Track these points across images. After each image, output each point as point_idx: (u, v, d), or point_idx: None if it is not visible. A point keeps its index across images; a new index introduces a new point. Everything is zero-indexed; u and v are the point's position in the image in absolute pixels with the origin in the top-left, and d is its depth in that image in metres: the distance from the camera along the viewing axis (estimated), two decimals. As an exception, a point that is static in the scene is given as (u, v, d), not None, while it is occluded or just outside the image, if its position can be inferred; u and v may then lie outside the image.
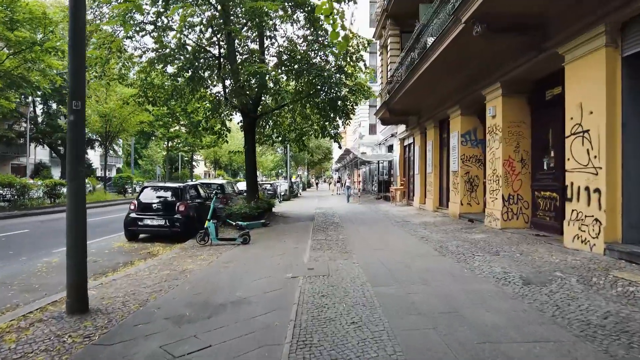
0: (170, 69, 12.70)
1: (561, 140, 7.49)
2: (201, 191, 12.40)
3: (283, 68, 13.09)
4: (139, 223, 10.14)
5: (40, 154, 41.95)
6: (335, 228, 10.95)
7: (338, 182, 27.66)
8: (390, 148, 24.57)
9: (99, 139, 34.74)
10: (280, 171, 58.59)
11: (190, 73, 11.67)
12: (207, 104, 13.66)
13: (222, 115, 14.07)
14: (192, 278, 6.00)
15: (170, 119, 20.94)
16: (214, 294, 5.01)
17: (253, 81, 10.89)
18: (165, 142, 35.80)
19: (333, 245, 8.05)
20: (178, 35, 11.00)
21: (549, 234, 8.24)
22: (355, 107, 15.61)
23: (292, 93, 15.05)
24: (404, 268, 5.98)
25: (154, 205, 10.25)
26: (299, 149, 16.50)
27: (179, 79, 12.50)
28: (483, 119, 12.06)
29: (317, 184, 79.07)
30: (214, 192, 9.14)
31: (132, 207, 10.36)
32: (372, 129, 29.15)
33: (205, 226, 9.10)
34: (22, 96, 28.49)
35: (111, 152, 43.42)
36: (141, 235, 10.73)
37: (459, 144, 12.26)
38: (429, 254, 6.94)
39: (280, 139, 16.38)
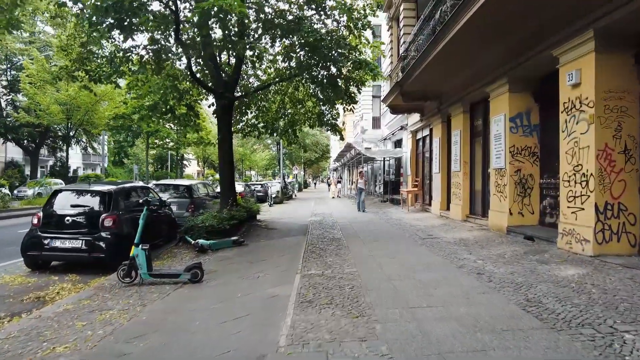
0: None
1: None
2: (151, 196, 9.01)
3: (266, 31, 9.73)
4: (45, 245, 6.77)
5: (12, 151, 38.39)
6: (336, 249, 7.60)
7: (339, 182, 24.20)
8: (397, 143, 21.24)
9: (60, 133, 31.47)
10: (276, 170, 55.10)
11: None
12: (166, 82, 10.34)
13: (185, 93, 10.72)
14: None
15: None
16: None
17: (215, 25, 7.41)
18: (147, 139, 32.23)
19: (335, 294, 4.69)
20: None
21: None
22: (361, 87, 12.29)
23: (279, 71, 11.79)
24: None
25: (68, 218, 6.88)
26: (288, 142, 13.14)
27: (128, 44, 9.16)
28: (539, 97, 8.80)
29: (315, 183, 75.85)
30: (144, 200, 5.72)
31: (36, 221, 6.98)
32: (376, 123, 25.81)
33: (131, 255, 5.73)
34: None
35: (90, 149, 39.92)
36: (54, 262, 7.36)
37: (507, 132, 8.94)
38: (523, 326, 3.58)
39: (265, 127, 13.03)
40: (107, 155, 55.52)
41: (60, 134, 33.94)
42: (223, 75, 11.37)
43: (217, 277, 6.05)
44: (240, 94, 11.86)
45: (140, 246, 5.68)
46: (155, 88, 10.24)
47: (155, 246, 8.43)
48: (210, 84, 11.19)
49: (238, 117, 13.07)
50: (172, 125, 13.68)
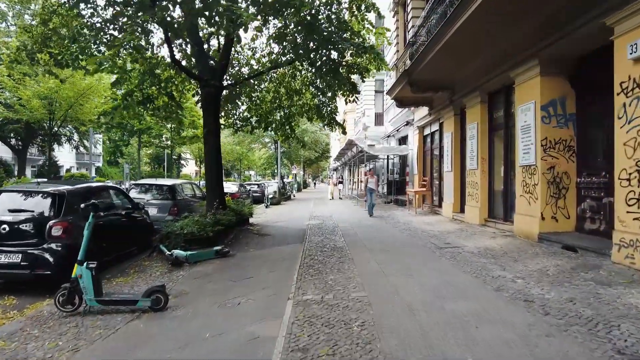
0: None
1: None
2: (118, 199, 7.67)
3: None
4: (-24, 259, 5.44)
5: (1, 150, 36.97)
6: (338, 263, 6.28)
7: (340, 182, 22.76)
8: (402, 140, 19.91)
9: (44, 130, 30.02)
10: (275, 170, 53.53)
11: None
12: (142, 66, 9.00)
13: (167, 81, 9.39)
14: None
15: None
16: None
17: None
18: (139, 136, 30.93)
19: (340, 337, 3.35)
20: None
21: None
22: (365, 75, 10.97)
23: (273, 58, 10.54)
24: None
25: (4, 226, 5.55)
26: (283, 137, 11.81)
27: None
28: (576, 81, 7.49)
29: (315, 183, 74.42)
30: (89, 205, 4.36)
31: (-35, 229, 5.65)
32: (379, 119, 24.49)
33: (73, 275, 4.41)
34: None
35: (82, 149, 38.58)
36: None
37: (538, 122, 7.63)
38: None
39: (258, 122, 11.71)
40: (101, 154, 54.44)
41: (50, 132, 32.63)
42: (211, 62, 10.08)
43: (186, 303, 4.72)
44: (229, 82, 10.54)
45: (85, 264, 4.36)
46: (130, 74, 8.93)
47: (125, 257, 7.14)
48: (195, 71, 9.90)
49: (228, 110, 11.74)
50: (161, 121, 12.38)
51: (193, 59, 10.17)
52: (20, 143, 30.28)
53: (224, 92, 10.77)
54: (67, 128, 32.61)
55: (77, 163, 49.65)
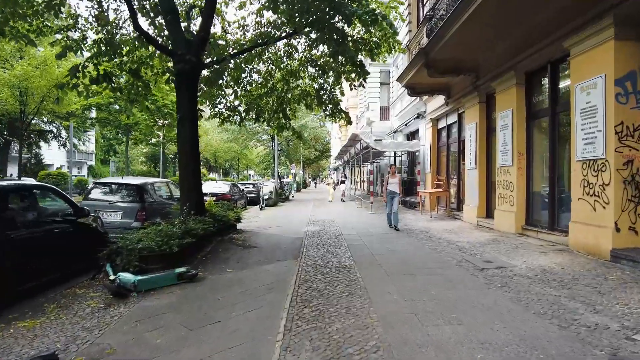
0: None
1: None
2: (52, 204, 5.81)
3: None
4: None
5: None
6: (347, 296, 4.41)
7: (342, 182, 20.69)
8: (411, 135, 18.04)
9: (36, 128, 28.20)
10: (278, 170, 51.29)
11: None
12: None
13: (128, 53, 7.54)
14: None
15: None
16: None
17: None
18: (126, 133, 29.07)
19: None
20: None
21: None
22: (376, 53, 9.15)
23: (265, 32, 8.76)
24: None
25: None
26: (277, 128, 9.91)
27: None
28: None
29: (315, 183, 72.47)
30: None
31: None
32: (384, 114, 22.62)
33: None
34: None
35: (69, 145, 36.61)
36: None
37: (609, 102, 5.76)
38: None
39: (247, 110, 9.84)
40: (94, 152, 52.60)
41: (35, 128, 30.75)
42: (186, 34, 8.23)
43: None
44: (211, 59, 8.68)
45: None
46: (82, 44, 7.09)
47: (60, 281, 5.28)
48: (168, 45, 8.08)
49: (212, 95, 9.86)
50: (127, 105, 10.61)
51: (166, 31, 8.32)
52: (1, 139, 28.38)
53: (204, 72, 8.91)
54: (54, 124, 30.79)
55: (67, 162, 47.62)
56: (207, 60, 8.77)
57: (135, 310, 4.24)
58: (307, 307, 4.05)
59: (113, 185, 8.85)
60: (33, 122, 29.38)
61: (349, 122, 9.21)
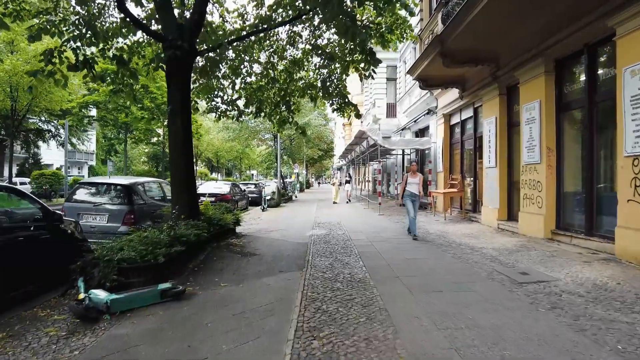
0: None
1: None
2: (16, 207, 5.00)
3: None
4: None
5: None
6: (366, 322, 3.58)
7: (347, 182, 19.73)
8: (421, 133, 17.17)
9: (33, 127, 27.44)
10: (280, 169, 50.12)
11: None
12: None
13: (112, 37, 6.74)
14: None
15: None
16: None
17: None
18: (125, 132, 28.31)
19: None
20: None
21: None
22: (389, 39, 8.35)
23: (264, 14, 7.97)
24: None
25: None
26: (279, 123, 9.07)
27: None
28: None
29: (318, 183, 71.51)
30: None
31: None
32: (391, 111, 21.77)
33: None
34: None
35: (70, 146, 35.88)
36: None
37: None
38: None
39: (247, 104, 9.02)
40: (94, 152, 51.95)
41: (32, 127, 30.08)
42: (179, 19, 7.42)
43: None
44: (206, 46, 7.86)
45: None
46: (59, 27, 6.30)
47: (24, 298, 4.48)
48: (158, 30, 7.28)
49: (210, 87, 9.03)
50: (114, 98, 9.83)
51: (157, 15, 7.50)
52: (-3, 139, 27.75)
53: (199, 60, 8.12)
54: (53, 123, 30.08)
55: (68, 161, 46.94)
56: (203, 48, 7.96)
57: (103, 341, 3.42)
58: (317, 338, 3.23)
59: (99, 186, 8.05)
60: (31, 121, 28.81)
61: (358, 115, 8.36)
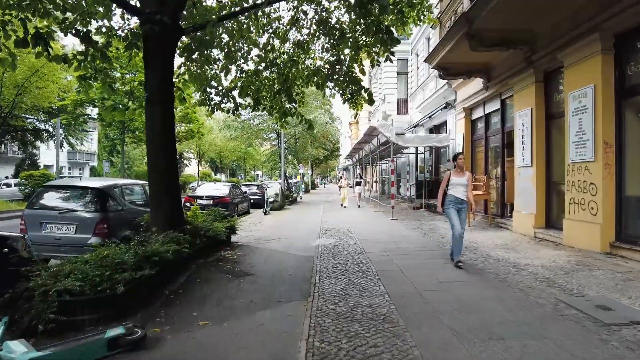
0: None
1: None
2: None
3: None
4: None
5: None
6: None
7: (357, 184, 18.27)
8: (436, 129, 15.88)
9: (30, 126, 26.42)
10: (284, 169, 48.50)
11: None
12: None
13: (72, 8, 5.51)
14: None
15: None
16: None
17: None
18: (122, 131, 27.16)
19: None
20: None
21: None
22: (410, 18, 7.11)
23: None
24: None
25: None
26: (280, 115, 7.78)
27: None
28: None
29: (324, 184, 70.13)
30: None
31: None
32: (402, 107, 20.47)
33: None
34: None
35: (67, 146, 34.93)
36: None
37: None
38: None
39: (240, 93, 7.75)
40: (96, 153, 51.06)
41: (30, 127, 29.12)
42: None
43: None
44: (193, 23, 6.61)
45: None
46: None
47: None
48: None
49: (204, 76, 7.77)
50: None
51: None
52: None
53: (185, 39, 6.89)
54: (50, 123, 29.07)
55: (69, 162, 46.15)
56: (190, 27, 6.71)
57: None
58: None
59: (67, 190, 6.82)
60: (28, 120, 27.81)
61: (371, 101, 7.03)
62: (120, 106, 7.66)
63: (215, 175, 62.82)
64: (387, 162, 21.51)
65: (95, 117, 29.45)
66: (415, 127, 17.84)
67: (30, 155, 33.90)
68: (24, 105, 17.75)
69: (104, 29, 6.39)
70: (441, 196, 6.30)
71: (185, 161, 60.58)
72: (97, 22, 6.40)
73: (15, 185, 22.02)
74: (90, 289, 3.65)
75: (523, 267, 5.62)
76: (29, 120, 27.95)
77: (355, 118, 45.60)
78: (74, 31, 5.54)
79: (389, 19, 7.25)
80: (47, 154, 38.23)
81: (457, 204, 6.06)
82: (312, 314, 3.82)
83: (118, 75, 22.68)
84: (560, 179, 7.68)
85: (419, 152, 16.82)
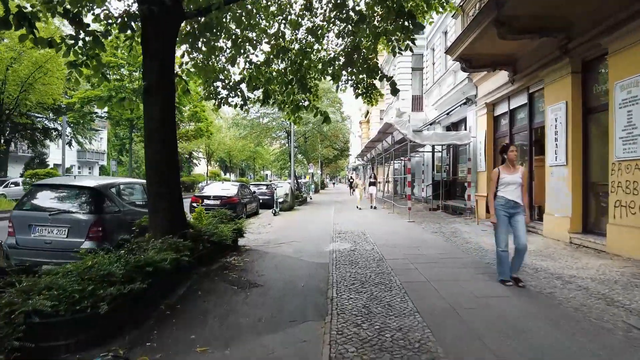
0: None
1: None
2: None
3: None
4: None
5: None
6: None
7: (371, 184, 17.38)
8: (454, 127, 15.12)
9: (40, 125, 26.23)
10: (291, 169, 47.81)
11: None
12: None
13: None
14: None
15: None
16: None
17: None
18: (130, 129, 26.83)
19: None
20: None
21: None
22: (433, 5, 6.45)
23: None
24: None
25: None
26: (292, 108, 7.15)
27: None
28: None
29: (334, 184, 69.39)
30: None
31: None
32: (417, 104, 19.72)
33: None
34: None
35: (75, 144, 34.78)
36: None
37: None
38: None
39: (249, 85, 7.15)
40: (105, 152, 51.04)
41: (39, 126, 29.01)
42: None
43: None
44: (198, 6, 6.02)
45: None
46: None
47: None
48: None
49: (211, 68, 7.17)
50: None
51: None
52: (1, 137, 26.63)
53: (184, 26, 6.30)
54: (59, 122, 28.89)
55: (78, 161, 46.14)
56: (194, 11, 6.11)
57: None
58: None
59: (60, 189, 6.28)
60: (37, 119, 27.67)
61: (395, 90, 6.34)
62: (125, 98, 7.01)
63: (225, 174, 62.54)
64: (400, 161, 20.81)
65: (104, 115, 29.12)
66: (431, 124, 17.09)
67: (39, 154, 33.82)
68: (29, 102, 17.41)
69: (102, 15, 5.86)
70: (492, 200, 4.95)
71: (194, 160, 60.40)
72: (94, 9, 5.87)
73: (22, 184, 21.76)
74: (66, 309, 3.06)
75: (569, 279, 4.92)
76: (37, 119, 27.84)
77: (366, 117, 44.83)
78: (62, 11, 4.98)
79: (410, 4, 6.60)
80: (56, 153, 38.07)
81: (509, 209, 4.77)
82: (331, 340, 3.18)
83: (126, 72, 22.37)
84: (600, 179, 6.95)
85: (435, 150, 16.08)
